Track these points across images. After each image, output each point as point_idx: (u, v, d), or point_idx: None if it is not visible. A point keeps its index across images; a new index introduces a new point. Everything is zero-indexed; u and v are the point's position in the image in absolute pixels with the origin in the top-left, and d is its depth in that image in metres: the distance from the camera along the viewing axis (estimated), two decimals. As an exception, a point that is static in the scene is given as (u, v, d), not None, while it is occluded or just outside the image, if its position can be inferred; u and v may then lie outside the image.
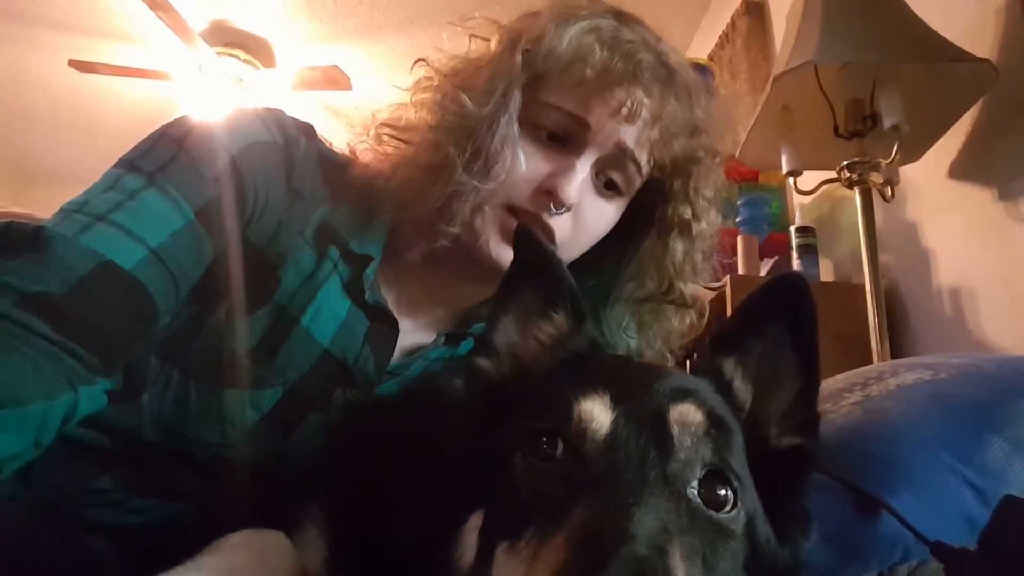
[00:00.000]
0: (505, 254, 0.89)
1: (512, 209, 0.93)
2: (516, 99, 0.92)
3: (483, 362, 0.69)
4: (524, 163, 0.92)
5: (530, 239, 0.71)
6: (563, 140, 0.94)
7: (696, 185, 1.01)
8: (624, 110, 0.91)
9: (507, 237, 0.91)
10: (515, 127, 0.92)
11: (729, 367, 0.64)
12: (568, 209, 0.93)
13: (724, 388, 0.63)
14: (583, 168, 0.93)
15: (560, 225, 0.94)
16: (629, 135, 0.93)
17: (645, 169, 0.97)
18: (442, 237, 0.92)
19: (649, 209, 1.02)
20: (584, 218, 0.96)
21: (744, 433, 0.60)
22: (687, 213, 1.01)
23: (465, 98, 0.91)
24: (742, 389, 0.64)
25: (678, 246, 1.02)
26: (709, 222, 1.04)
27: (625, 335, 1.07)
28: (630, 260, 1.05)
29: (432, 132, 0.93)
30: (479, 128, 0.90)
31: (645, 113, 0.92)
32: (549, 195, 0.91)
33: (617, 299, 1.05)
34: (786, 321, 0.62)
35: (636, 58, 0.91)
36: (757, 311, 0.64)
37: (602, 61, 0.89)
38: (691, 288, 1.06)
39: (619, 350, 1.09)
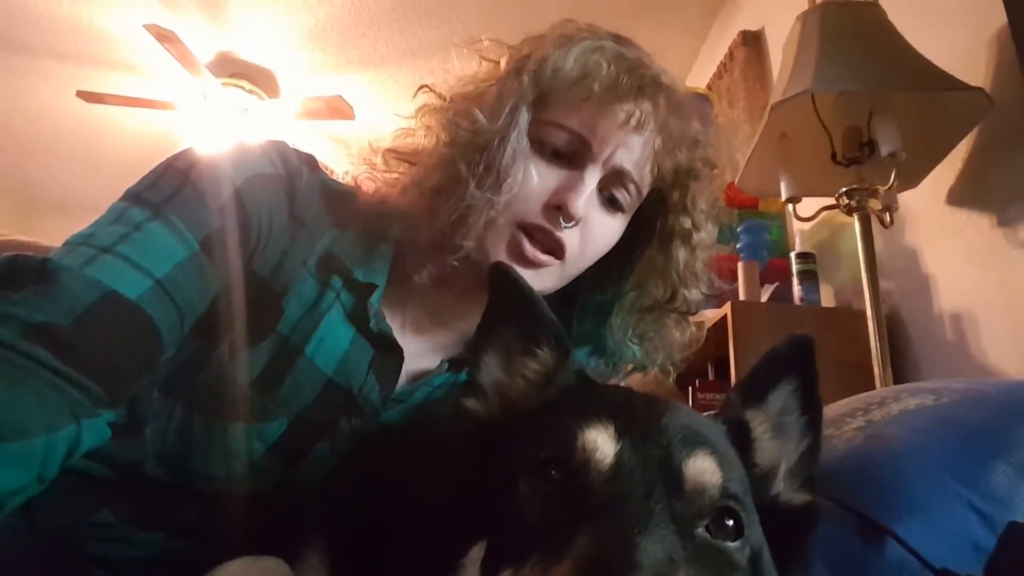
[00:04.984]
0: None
1: (523, 226, 0.94)
2: (525, 116, 0.94)
3: (471, 403, 0.68)
4: (535, 177, 0.93)
5: (504, 277, 0.70)
6: (568, 156, 0.95)
7: (694, 196, 1.03)
8: (632, 121, 0.93)
9: (515, 254, 0.93)
10: (525, 141, 0.94)
11: (756, 420, 0.65)
12: (577, 223, 0.94)
13: (741, 436, 0.64)
14: (591, 182, 0.94)
15: (570, 239, 0.95)
16: (632, 153, 0.95)
17: (647, 180, 0.99)
18: (454, 253, 0.93)
19: (649, 221, 1.04)
20: (592, 232, 0.97)
21: (756, 486, 0.61)
22: (687, 223, 1.03)
23: (477, 113, 0.93)
24: (767, 444, 0.65)
25: (680, 254, 1.04)
26: (707, 232, 1.06)
27: (630, 343, 1.08)
28: (632, 271, 1.06)
29: (443, 149, 0.94)
30: (491, 142, 0.91)
31: (651, 123, 0.94)
32: (558, 209, 0.93)
33: (621, 308, 1.07)
34: (797, 380, 0.65)
35: (639, 72, 0.94)
36: (778, 366, 0.66)
37: (609, 76, 0.92)
38: (694, 294, 1.08)
39: (624, 359, 1.11)
